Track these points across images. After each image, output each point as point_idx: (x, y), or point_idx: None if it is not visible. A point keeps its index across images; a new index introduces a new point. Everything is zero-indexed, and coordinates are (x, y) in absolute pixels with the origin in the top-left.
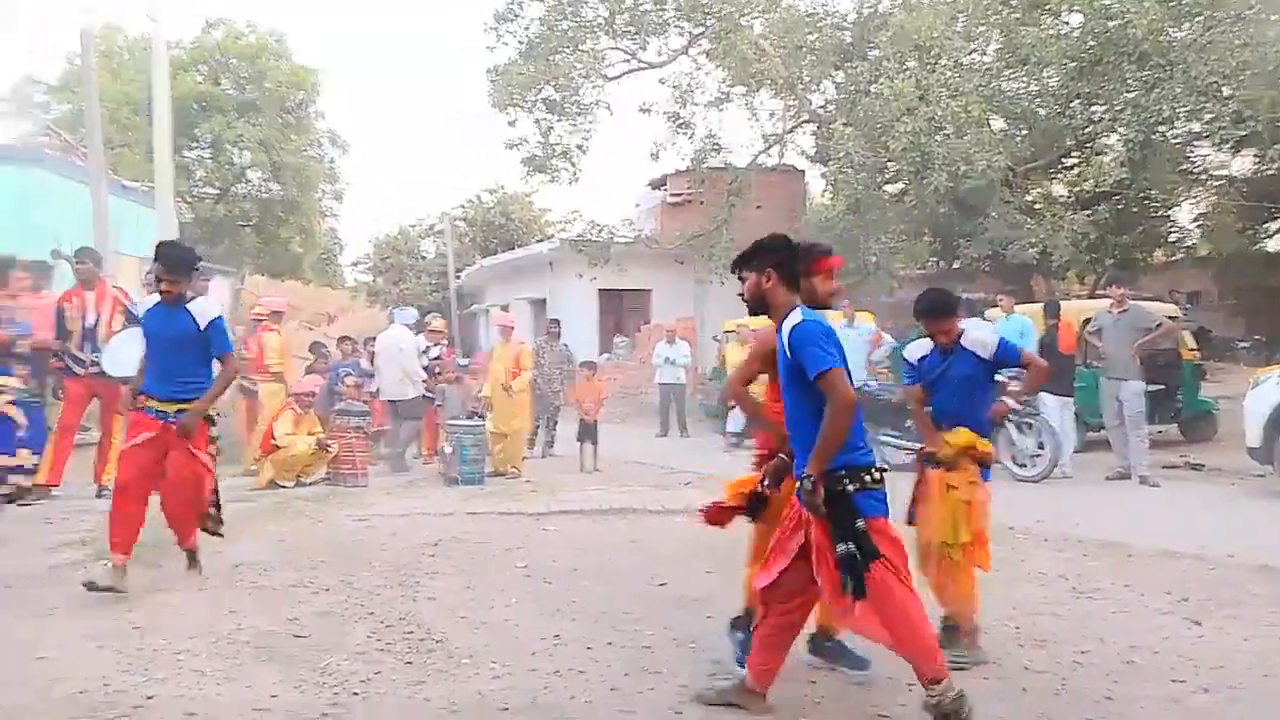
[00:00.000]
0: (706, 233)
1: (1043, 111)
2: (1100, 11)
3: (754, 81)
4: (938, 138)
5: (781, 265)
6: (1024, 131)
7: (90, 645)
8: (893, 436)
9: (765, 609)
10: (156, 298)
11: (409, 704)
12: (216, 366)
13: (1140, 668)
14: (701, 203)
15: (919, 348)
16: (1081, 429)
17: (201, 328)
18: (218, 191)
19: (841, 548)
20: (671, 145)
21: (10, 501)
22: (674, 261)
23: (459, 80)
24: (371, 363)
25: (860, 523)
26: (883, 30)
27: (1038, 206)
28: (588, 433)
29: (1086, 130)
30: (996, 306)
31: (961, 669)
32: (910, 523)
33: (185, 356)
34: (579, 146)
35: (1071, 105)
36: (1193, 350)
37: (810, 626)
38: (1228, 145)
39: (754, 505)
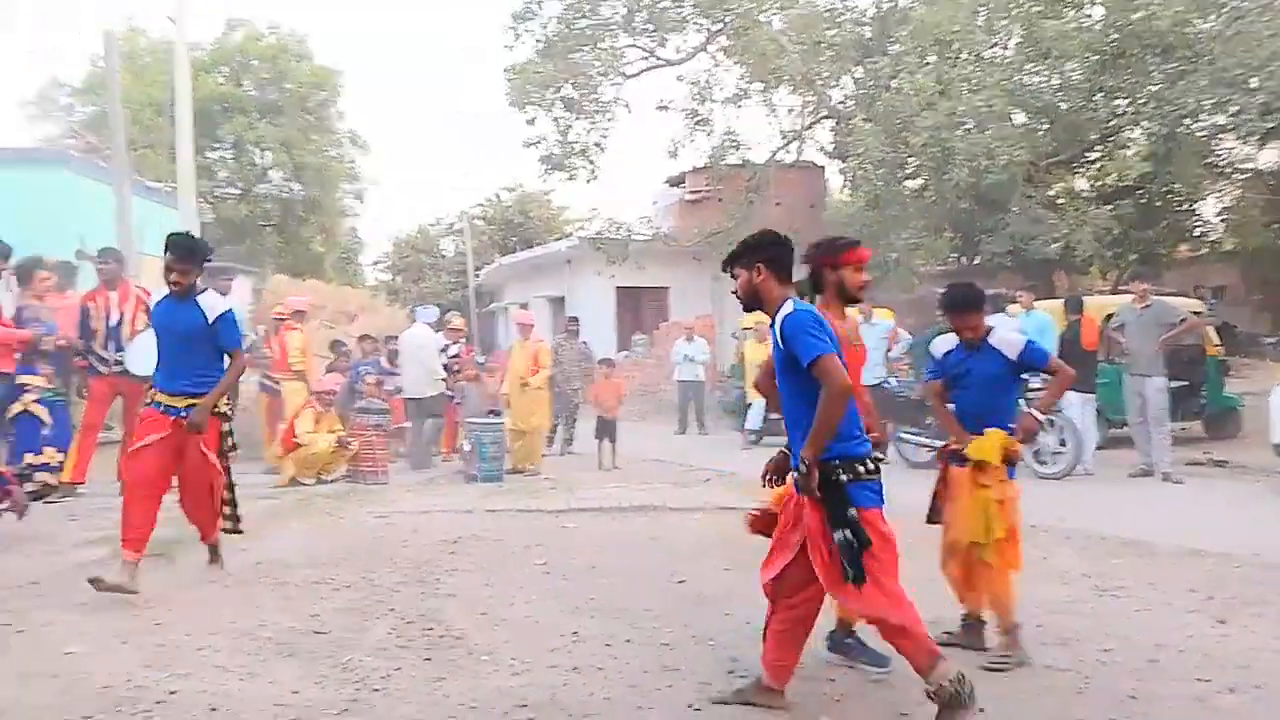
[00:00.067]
0: (725, 230)
1: (1065, 105)
2: (1123, 4)
3: (772, 78)
4: (958, 132)
5: (772, 260)
6: (1046, 125)
7: (114, 641)
8: (912, 433)
9: (773, 605)
10: (165, 290)
11: (428, 700)
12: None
13: (1164, 667)
14: (720, 200)
15: (945, 342)
16: (1104, 425)
17: (210, 321)
18: (240, 192)
19: (838, 535)
20: (690, 142)
21: (37, 499)
22: (692, 259)
23: (475, 80)
24: (391, 361)
25: (852, 511)
26: (903, 25)
27: (1060, 201)
28: (606, 430)
29: (1110, 124)
30: (1016, 302)
31: (1003, 670)
32: (931, 521)
33: (195, 350)
34: (597, 144)
35: (1094, 99)
36: (1217, 346)
37: (830, 623)
38: (1254, 138)
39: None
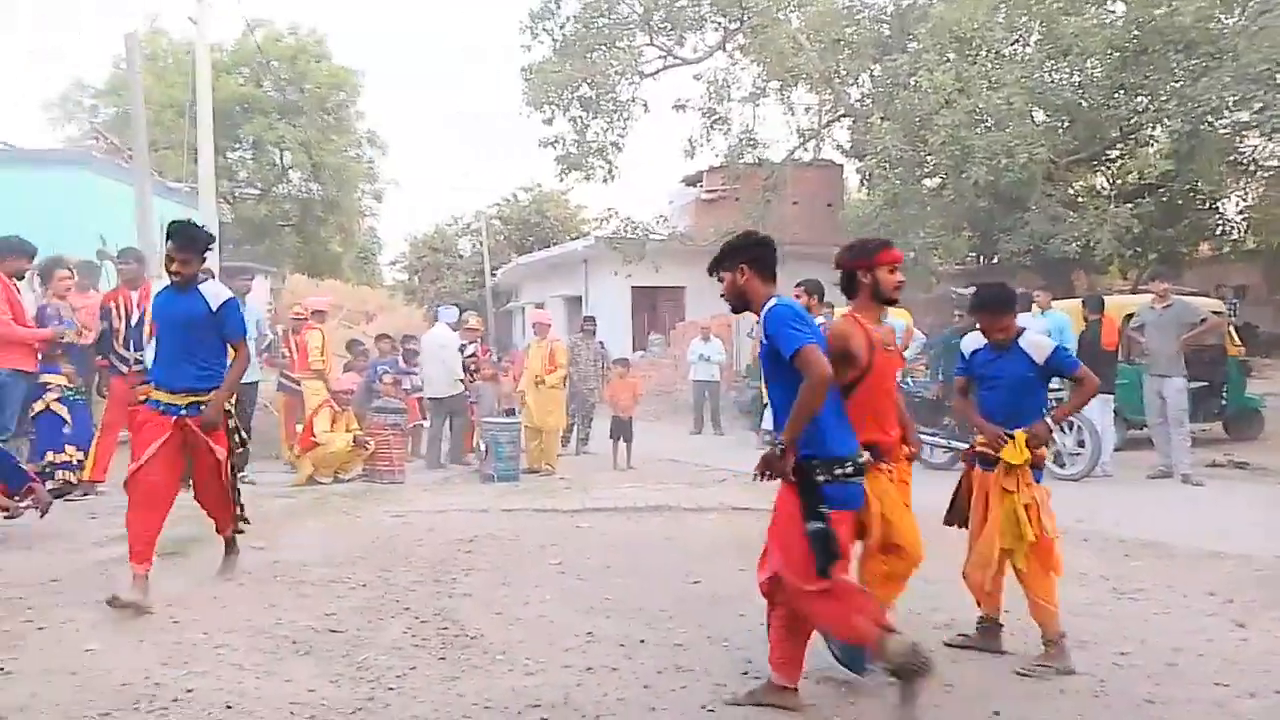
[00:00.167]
0: (742, 229)
1: (1086, 103)
2: (1146, 0)
3: (790, 76)
4: (978, 130)
5: (755, 260)
6: (1066, 123)
7: (133, 639)
8: (929, 434)
9: (771, 603)
10: (166, 281)
11: (443, 699)
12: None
13: (1183, 670)
14: (737, 199)
15: (974, 340)
16: (1123, 426)
17: (214, 309)
18: (259, 192)
19: (813, 525)
20: (707, 142)
21: (58, 496)
22: (709, 258)
23: (490, 81)
24: (407, 360)
25: (824, 510)
26: (922, 22)
27: (1080, 200)
28: (622, 430)
29: (1131, 121)
30: (1033, 302)
31: (1044, 678)
32: (949, 523)
33: (197, 342)
34: (614, 144)
35: (1115, 96)
36: (1238, 346)
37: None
38: (1279, 135)
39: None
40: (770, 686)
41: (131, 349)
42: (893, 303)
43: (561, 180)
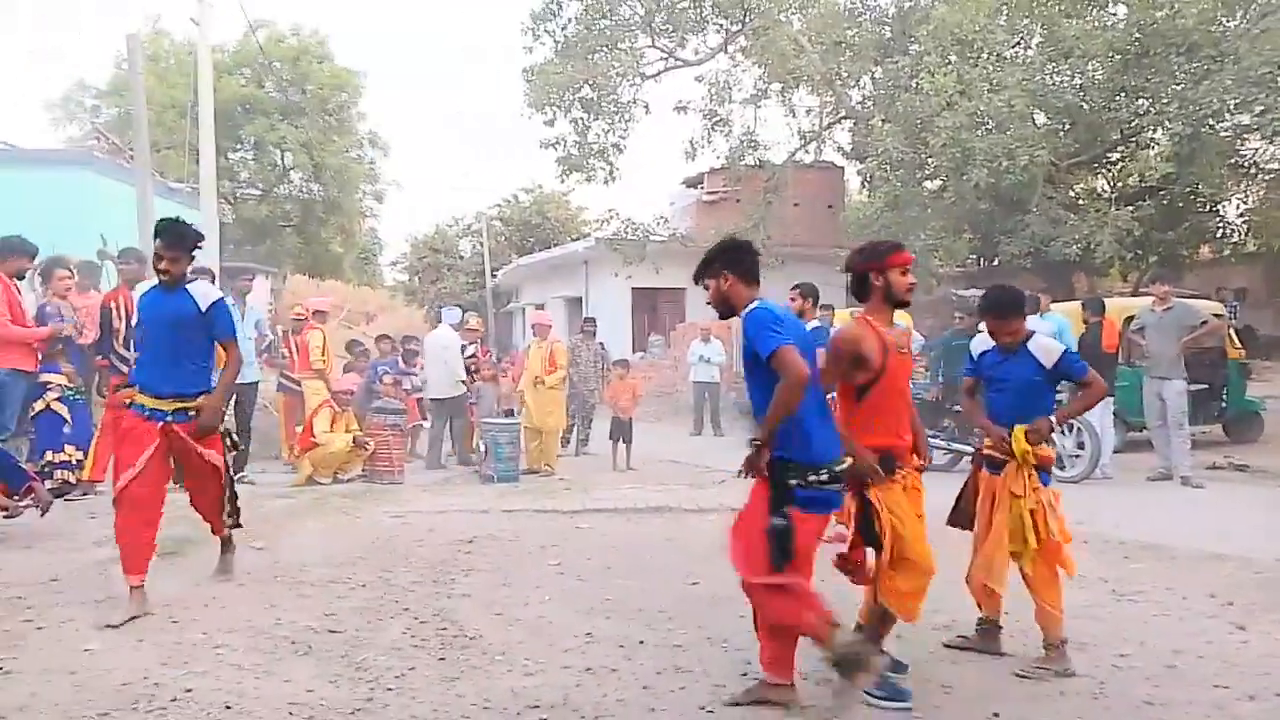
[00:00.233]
0: (742, 230)
1: (1087, 106)
2: (1147, 3)
3: (791, 78)
4: (979, 133)
5: (735, 265)
6: (1067, 126)
7: (132, 639)
8: (929, 436)
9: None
10: (151, 282)
11: (442, 699)
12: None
13: (1182, 672)
14: (738, 201)
15: (982, 342)
16: (1122, 429)
17: (203, 310)
18: (260, 192)
19: (776, 520)
20: (708, 143)
21: (58, 496)
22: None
23: (491, 82)
24: (407, 361)
25: (786, 511)
26: (923, 25)
27: (1081, 202)
28: (622, 431)
29: (1132, 124)
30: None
31: (1043, 680)
32: (953, 524)
33: (186, 344)
34: (615, 145)
35: (1117, 99)
36: (1238, 349)
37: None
38: None
39: (866, 530)
40: (766, 684)
41: (131, 349)
42: (905, 305)
43: (562, 181)
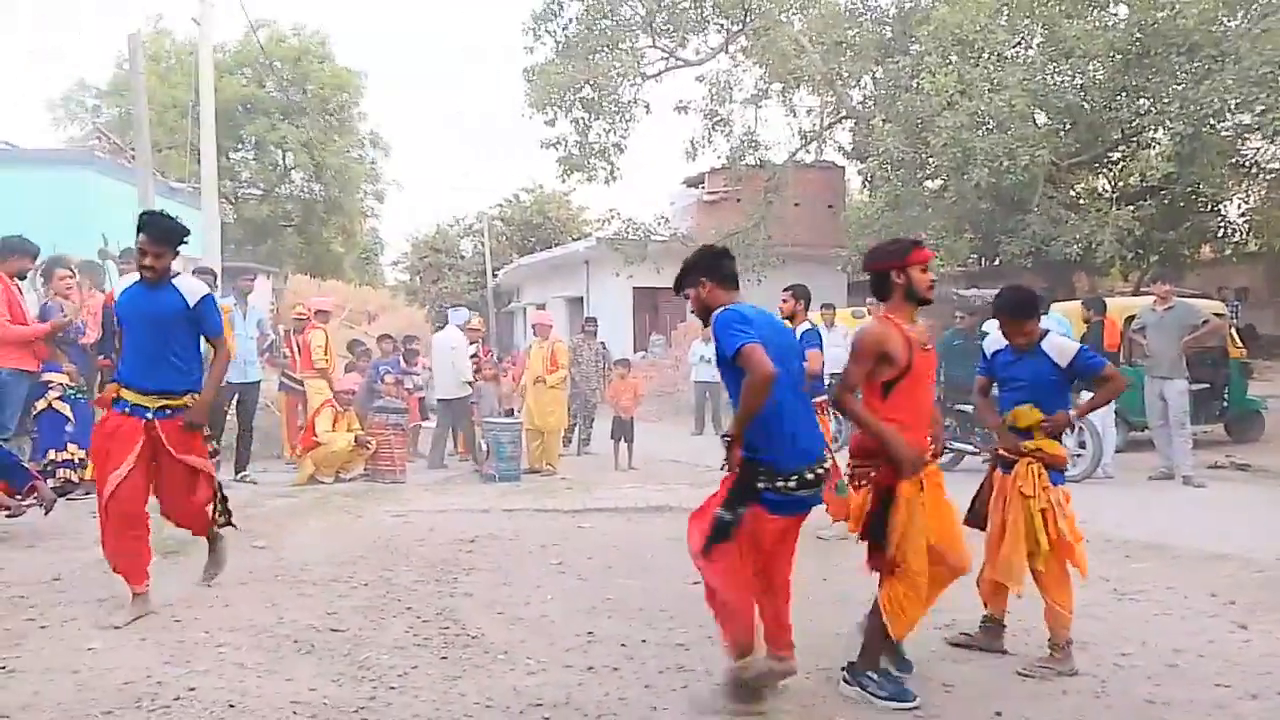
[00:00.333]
0: (743, 230)
1: (1087, 105)
2: (1148, 2)
3: (792, 78)
4: (979, 133)
5: (712, 272)
6: (1068, 126)
7: (134, 638)
8: None
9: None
10: (133, 277)
11: (444, 698)
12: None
13: (1184, 671)
14: (738, 200)
15: (996, 341)
16: (1124, 428)
17: (191, 305)
18: (261, 192)
19: (723, 512)
20: (708, 143)
21: (61, 495)
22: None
23: (492, 82)
24: (408, 361)
25: (741, 510)
26: (924, 25)
27: (1081, 202)
28: (623, 430)
29: (1133, 124)
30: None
31: (1045, 679)
32: (969, 524)
33: (173, 340)
34: (616, 145)
35: (1117, 99)
36: (1240, 348)
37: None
38: None
39: (876, 524)
40: (733, 676)
41: None
42: (927, 302)
43: (563, 181)
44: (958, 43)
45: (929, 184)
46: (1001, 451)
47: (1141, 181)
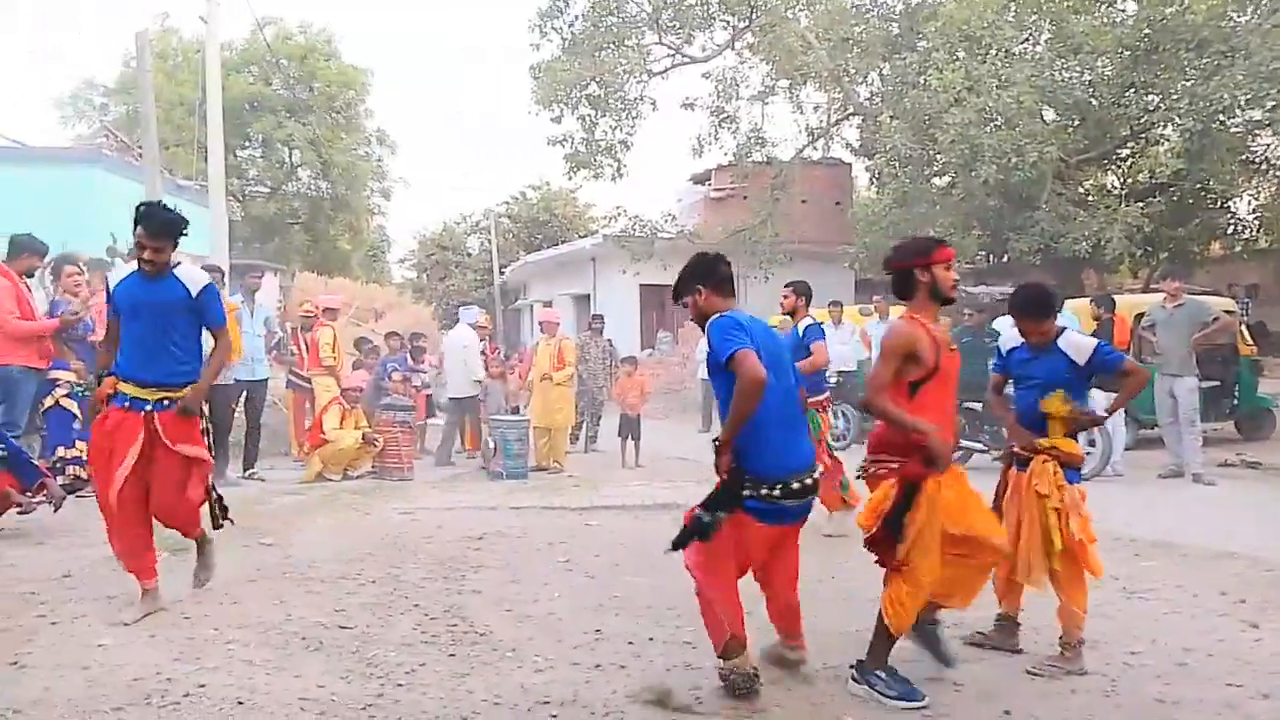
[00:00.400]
0: (750, 227)
1: (1096, 102)
2: None
3: (799, 75)
4: (987, 129)
5: (708, 279)
6: (1077, 122)
7: (144, 635)
8: None
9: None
10: (130, 267)
11: (452, 695)
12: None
13: (1194, 670)
14: (745, 197)
15: (1012, 338)
16: (1133, 426)
17: (194, 295)
18: (268, 190)
19: (702, 513)
20: (715, 140)
21: (70, 492)
22: None
23: (499, 81)
24: (415, 358)
25: (721, 515)
26: (931, 21)
27: (1090, 199)
28: (630, 428)
29: (1142, 120)
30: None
31: (1055, 678)
32: None
33: (174, 331)
34: (623, 142)
35: (1126, 95)
36: (1250, 345)
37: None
38: None
39: (895, 522)
40: (727, 671)
41: None
42: (950, 301)
43: (570, 178)
44: (965, 39)
45: (937, 181)
46: (1017, 449)
47: (1151, 178)
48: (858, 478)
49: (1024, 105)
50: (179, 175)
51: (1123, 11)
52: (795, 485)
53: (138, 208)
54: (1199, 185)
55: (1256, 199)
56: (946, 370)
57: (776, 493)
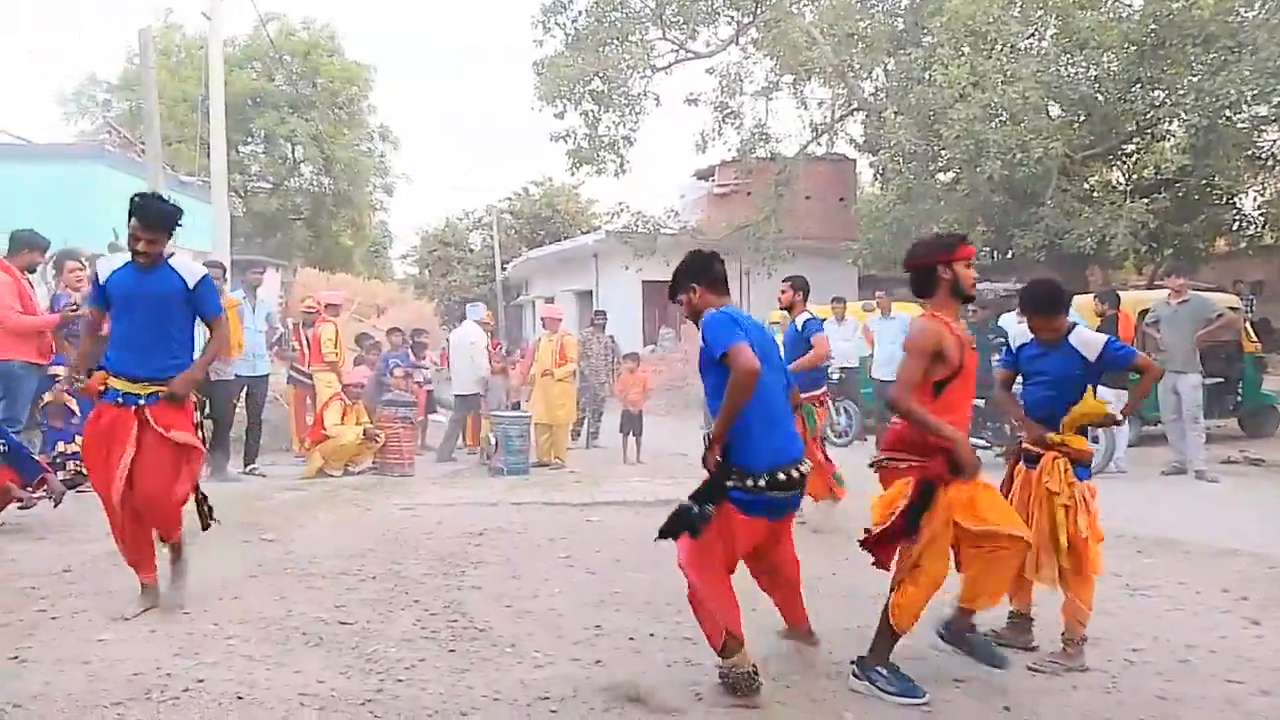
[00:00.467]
0: (754, 223)
1: (1102, 97)
2: None
3: (803, 70)
4: (992, 125)
5: (702, 277)
6: (1082, 118)
7: (144, 630)
8: None
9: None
10: (121, 258)
11: (452, 690)
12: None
13: (1195, 667)
14: (749, 193)
15: (1021, 334)
16: (1137, 422)
17: (191, 286)
18: (271, 185)
19: (689, 503)
20: (718, 136)
21: (70, 487)
22: (721, 253)
23: (500, 79)
24: (416, 354)
25: (710, 508)
26: (936, 16)
27: (1095, 195)
28: (632, 424)
29: (1147, 116)
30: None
31: (1056, 675)
32: None
33: (170, 324)
34: (626, 138)
35: (1132, 90)
36: (1254, 342)
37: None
38: None
39: (911, 521)
40: (724, 670)
41: None
42: (971, 300)
43: (573, 174)
44: (970, 34)
45: (941, 177)
46: (1027, 445)
47: (1156, 174)
48: (870, 466)
49: (1029, 101)
50: (181, 171)
51: (1129, 6)
52: (781, 477)
53: (132, 199)
54: (1204, 181)
55: (1262, 195)
56: (969, 370)
57: (762, 484)
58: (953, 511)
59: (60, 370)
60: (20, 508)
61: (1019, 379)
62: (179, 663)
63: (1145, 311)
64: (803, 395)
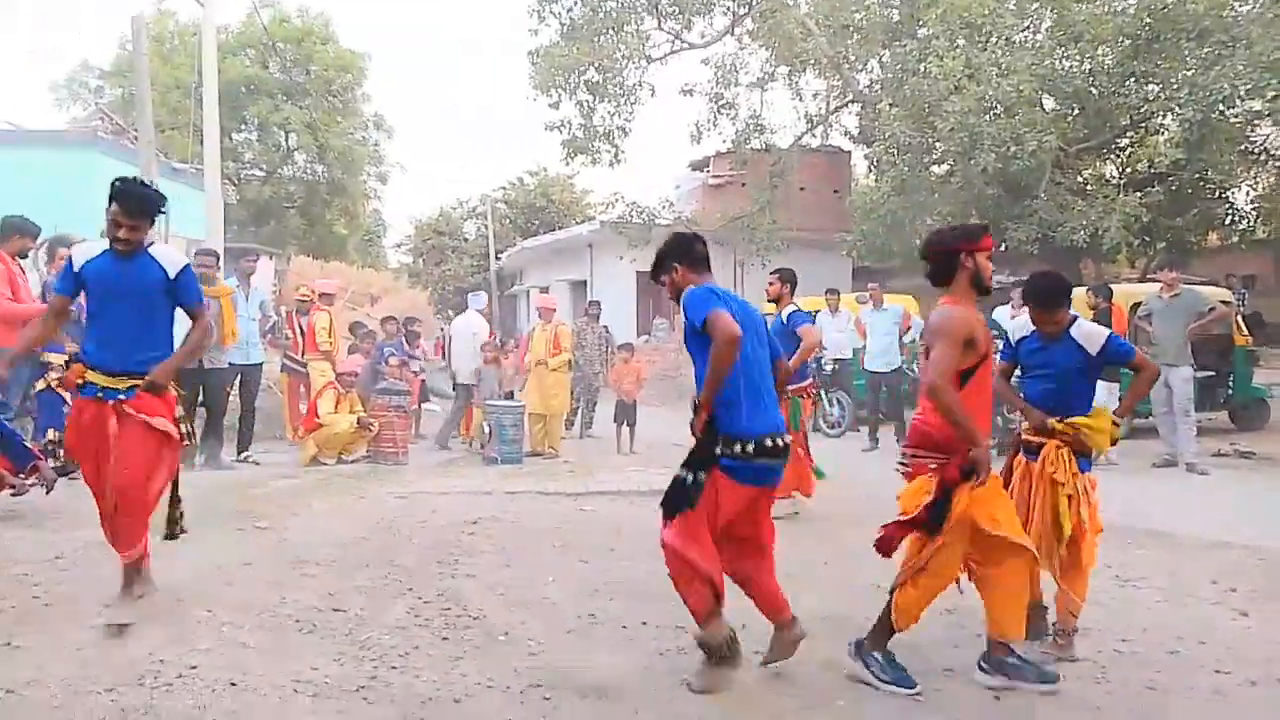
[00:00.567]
0: (748, 214)
1: (1096, 91)
2: None
3: (798, 61)
4: (987, 117)
5: (684, 256)
6: (1076, 111)
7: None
8: None
9: (734, 579)
10: (98, 246)
11: (445, 678)
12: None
13: (1185, 658)
14: (743, 184)
15: (1021, 326)
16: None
17: (172, 276)
18: (264, 173)
19: (681, 472)
20: (713, 127)
21: (62, 474)
22: (714, 244)
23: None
24: (410, 343)
25: (702, 475)
26: (932, 8)
27: (1089, 188)
28: (626, 414)
29: (1141, 110)
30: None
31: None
32: None
33: (150, 314)
34: (621, 128)
35: (1126, 84)
36: (1246, 336)
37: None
38: None
39: (935, 517)
40: (706, 660)
41: None
42: (988, 292)
43: (567, 164)
44: (966, 26)
45: (935, 169)
46: (1026, 436)
47: (1150, 168)
48: (896, 469)
49: (1024, 94)
50: (174, 158)
51: (1124, 0)
52: (769, 443)
53: (113, 183)
54: (1198, 175)
55: (1255, 190)
56: (991, 359)
57: (750, 449)
58: (971, 509)
59: (53, 357)
60: (12, 495)
61: (1017, 372)
62: (172, 649)
63: (1137, 305)
64: (790, 387)
